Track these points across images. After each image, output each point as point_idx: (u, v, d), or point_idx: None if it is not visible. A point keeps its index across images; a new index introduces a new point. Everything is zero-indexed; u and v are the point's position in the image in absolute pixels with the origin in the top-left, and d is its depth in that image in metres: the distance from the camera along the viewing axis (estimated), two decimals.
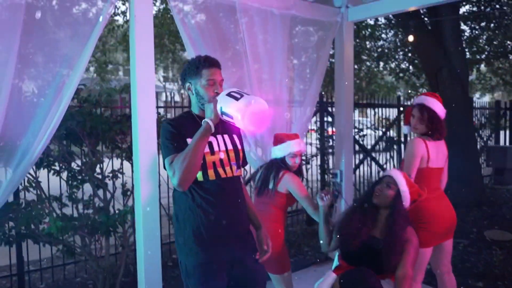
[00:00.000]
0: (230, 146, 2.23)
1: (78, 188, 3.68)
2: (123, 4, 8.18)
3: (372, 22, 11.30)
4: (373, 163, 6.72)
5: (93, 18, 2.80)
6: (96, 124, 3.32)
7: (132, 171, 3.13)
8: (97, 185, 3.72)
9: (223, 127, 2.22)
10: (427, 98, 3.14)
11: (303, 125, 3.92)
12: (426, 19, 7.38)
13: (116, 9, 8.37)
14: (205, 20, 3.38)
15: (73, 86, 2.66)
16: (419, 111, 3.11)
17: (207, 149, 2.15)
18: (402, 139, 7.07)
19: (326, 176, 5.55)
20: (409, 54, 11.49)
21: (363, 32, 10.46)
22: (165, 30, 9.06)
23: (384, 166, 6.97)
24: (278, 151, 3.12)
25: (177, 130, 2.12)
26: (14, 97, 2.53)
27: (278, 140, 3.15)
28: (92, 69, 11.84)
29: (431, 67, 6.98)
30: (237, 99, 1.98)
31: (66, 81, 2.65)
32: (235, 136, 2.30)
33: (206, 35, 3.28)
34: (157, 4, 8.90)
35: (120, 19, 9.13)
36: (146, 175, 2.88)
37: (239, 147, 2.29)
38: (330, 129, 5.83)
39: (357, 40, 10.50)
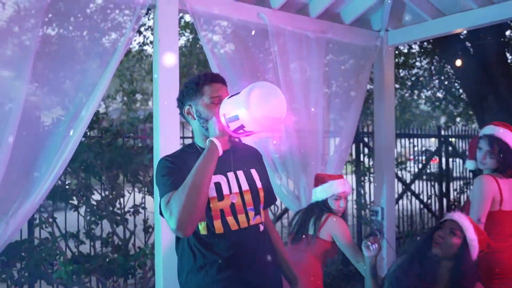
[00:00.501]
0: (245, 186, 1.75)
1: (97, 224, 3.43)
2: (152, 34, 8.16)
3: (405, 50, 11.03)
4: (414, 198, 6.23)
5: (110, 47, 2.60)
6: (115, 156, 3.08)
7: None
8: (116, 221, 3.45)
9: (236, 160, 1.78)
10: (497, 128, 2.73)
11: (340, 157, 3.56)
12: (468, 43, 6.98)
13: (145, 39, 8.35)
14: (234, 50, 3.16)
15: (88, 115, 2.44)
16: (488, 143, 2.70)
17: (213, 193, 1.68)
18: (465, 172, 6.59)
19: (363, 212, 5.12)
20: (446, 82, 11.05)
21: (396, 60, 10.18)
22: (194, 59, 8.98)
23: (428, 202, 6.46)
24: (320, 193, 2.79)
25: (176, 166, 1.68)
26: (26, 127, 2.33)
27: (320, 180, 2.83)
28: (119, 99, 11.89)
29: (475, 94, 6.53)
30: (238, 94, 1.61)
31: (81, 110, 2.44)
32: (253, 171, 1.81)
33: (236, 65, 3.07)
34: (186, 33, 8.86)
35: (149, 49, 9.12)
36: None
37: (259, 184, 1.79)
38: (366, 161, 5.43)
39: None
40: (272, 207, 4.58)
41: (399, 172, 6.08)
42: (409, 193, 6.15)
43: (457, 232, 2.18)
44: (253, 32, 3.27)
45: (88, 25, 2.69)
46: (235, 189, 1.73)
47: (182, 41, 9.05)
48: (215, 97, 1.72)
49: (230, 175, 1.75)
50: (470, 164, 2.86)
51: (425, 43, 10.78)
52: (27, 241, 3.17)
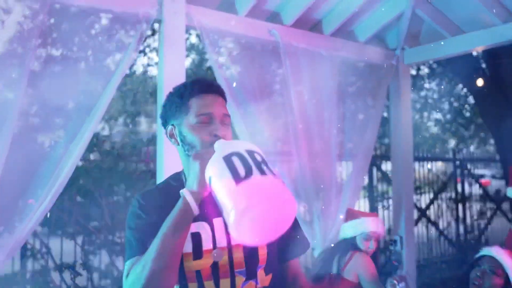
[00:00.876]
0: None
1: (95, 254, 3.20)
2: (157, 55, 8.07)
3: (414, 72, 10.90)
4: (430, 225, 5.94)
5: (114, 67, 2.44)
6: (116, 181, 2.86)
7: None
8: (116, 251, 3.21)
9: None
10: None
11: (356, 182, 3.31)
12: (483, 63, 6.80)
13: (150, 60, 8.26)
14: (245, 69, 2.98)
15: (87, 136, 2.25)
16: None
17: (188, 248, 1.22)
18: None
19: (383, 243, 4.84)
20: (455, 104, 10.87)
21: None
22: None
23: (444, 231, 6.16)
24: (348, 229, 2.60)
25: (148, 215, 1.24)
26: (21, 149, 2.15)
27: (350, 215, 2.66)
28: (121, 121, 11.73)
29: (491, 115, 6.30)
30: (239, 177, 1.07)
31: (79, 131, 2.25)
32: None
33: (247, 85, 2.87)
34: (192, 55, 8.76)
35: (154, 70, 9.02)
36: None
37: None
38: (380, 186, 5.18)
39: None
40: None
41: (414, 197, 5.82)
42: (424, 219, 5.87)
43: (498, 271, 1.92)
44: (261, 49, 3.10)
45: (92, 45, 2.54)
46: (221, 242, 1.23)
47: (188, 62, 8.95)
48: (203, 115, 1.24)
49: (217, 222, 1.24)
50: (510, 192, 2.64)
51: (435, 64, 10.70)
52: (20, 273, 2.94)
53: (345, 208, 3.12)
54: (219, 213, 1.15)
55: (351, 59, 3.46)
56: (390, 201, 5.09)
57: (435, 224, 6.00)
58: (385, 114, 5.23)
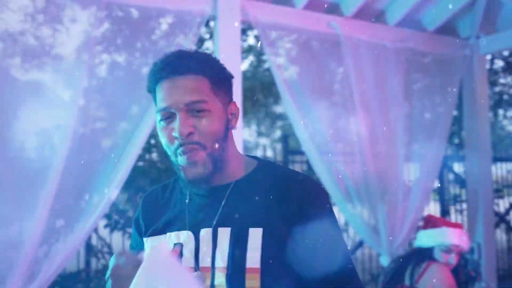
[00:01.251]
0: (222, 261, 0.92)
1: None
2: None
3: (487, 66, 10.17)
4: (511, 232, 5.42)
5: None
6: None
7: None
8: None
9: (231, 205, 0.96)
10: None
11: (425, 185, 3.05)
12: None
13: None
14: (304, 69, 2.85)
15: (143, 136, 2.24)
16: None
17: None
18: None
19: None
20: None
21: None
22: (258, 83, 8.82)
23: None
24: (426, 238, 2.34)
25: (137, 225, 1.07)
26: (84, 152, 2.18)
27: (430, 223, 2.40)
28: None
29: None
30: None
31: (135, 131, 2.25)
32: (254, 232, 0.91)
33: (306, 85, 2.74)
34: (250, 57, 8.74)
35: None
36: None
37: (252, 261, 0.90)
38: (451, 189, 4.80)
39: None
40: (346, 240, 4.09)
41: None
42: (504, 225, 5.37)
43: None
44: (320, 46, 2.95)
45: (153, 50, 2.54)
46: (205, 261, 0.93)
47: (246, 64, 8.94)
48: (162, 110, 0.94)
49: (205, 233, 0.95)
50: None
51: (511, 58, 9.88)
52: (84, 271, 3.00)
53: (414, 213, 2.88)
54: (210, 221, 0.94)
55: (418, 51, 3.20)
56: (464, 205, 4.70)
57: None
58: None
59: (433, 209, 4.96)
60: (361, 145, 2.81)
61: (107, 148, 2.30)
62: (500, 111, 11.15)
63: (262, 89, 9.49)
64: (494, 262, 3.49)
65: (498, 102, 10.59)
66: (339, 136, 2.83)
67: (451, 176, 4.84)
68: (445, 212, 4.63)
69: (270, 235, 0.90)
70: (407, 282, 2.24)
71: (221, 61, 1.03)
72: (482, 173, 3.38)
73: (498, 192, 5.25)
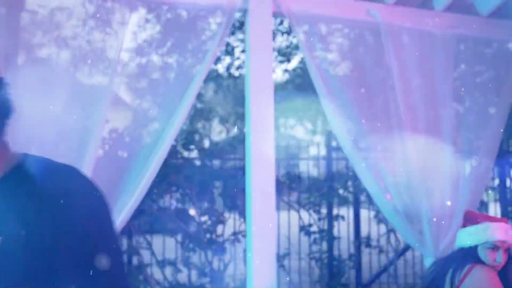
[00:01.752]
0: None
1: (194, 251, 3.20)
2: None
3: None
4: None
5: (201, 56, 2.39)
6: (206, 178, 2.82)
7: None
8: (215, 249, 3.19)
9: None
10: None
11: (476, 182, 2.79)
12: None
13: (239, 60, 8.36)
14: (342, 62, 2.73)
15: (172, 132, 2.23)
16: None
17: None
18: None
19: None
20: None
21: None
22: (309, 79, 8.71)
23: None
24: (467, 237, 2.14)
25: None
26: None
27: (470, 219, 2.20)
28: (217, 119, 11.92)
29: None
30: None
31: (165, 126, 2.24)
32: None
33: (345, 80, 2.62)
34: (300, 53, 8.64)
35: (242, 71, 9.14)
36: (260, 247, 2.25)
37: None
38: None
39: None
40: (392, 241, 3.91)
41: None
42: None
43: None
44: (358, 37, 2.80)
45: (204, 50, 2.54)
46: None
47: (296, 61, 8.83)
48: None
49: None
50: None
51: None
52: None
53: (462, 212, 2.66)
54: None
55: (471, 37, 2.95)
56: None
57: None
58: None
59: (493, 209, 4.61)
60: (403, 140, 2.63)
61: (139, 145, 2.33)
62: None
63: (313, 86, 9.34)
64: None
65: None
66: (379, 130, 2.66)
67: None
68: (506, 212, 4.27)
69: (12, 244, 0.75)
70: (447, 287, 2.05)
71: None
72: None
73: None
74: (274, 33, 7.52)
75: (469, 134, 2.85)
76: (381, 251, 3.92)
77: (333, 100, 2.58)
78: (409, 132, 2.66)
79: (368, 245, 3.87)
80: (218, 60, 7.67)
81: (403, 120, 2.65)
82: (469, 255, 2.08)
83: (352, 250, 3.90)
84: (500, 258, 2.05)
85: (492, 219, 2.16)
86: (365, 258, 3.98)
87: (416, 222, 2.70)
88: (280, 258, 3.64)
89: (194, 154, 3.26)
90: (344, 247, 3.92)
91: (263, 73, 2.43)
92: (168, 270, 3.19)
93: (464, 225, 2.19)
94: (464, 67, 2.94)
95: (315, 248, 3.76)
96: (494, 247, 2.06)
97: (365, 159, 2.62)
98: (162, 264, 3.12)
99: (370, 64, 2.78)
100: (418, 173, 2.64)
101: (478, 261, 2.06)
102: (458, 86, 2.89)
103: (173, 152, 2.69)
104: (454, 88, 2.82)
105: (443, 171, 2.71)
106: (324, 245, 3.79)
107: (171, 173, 2.68)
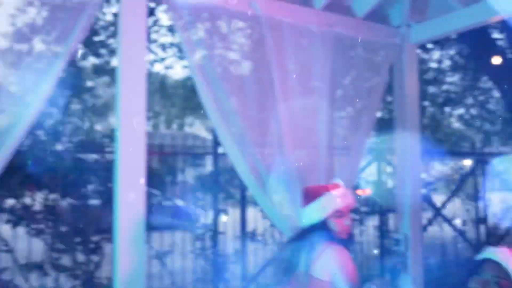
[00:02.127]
0: None
1: (65, 252, 2.93)
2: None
3: (435, 65, 10.42)
4: (446, 224, 5.48)
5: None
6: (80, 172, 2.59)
7: None
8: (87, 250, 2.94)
9: None
10: None
11: (349, 177, 2.91)
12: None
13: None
14: (219, 54, 2.67)
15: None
16: None
17: None
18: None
19: (386, 241, 4.43)
20: (480, 98, 10.28)
21: (425, 76, 9.67)
22: None
23: (462, 229, 5.67)
24: (313, 213, 2.13)
25: None
26: None
27: (311, 195, 2.18)
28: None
29: None
30: None
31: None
32: None
33: (222, 73, 2.57)
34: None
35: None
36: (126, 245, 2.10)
37: None
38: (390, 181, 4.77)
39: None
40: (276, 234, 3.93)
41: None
42: (440, 219, 5.41)
43: (503, 282, 1.51)
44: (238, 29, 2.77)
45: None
46: None
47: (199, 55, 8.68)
48: None
49: None
50: None
51: (457, 56, 10.14)
52: None
53: None
54: None
55: (346, 37, 3.08)
56: None
57: (451, 223, 5.53)
58: None
59: None
60: (280, 135, 2.65)
61: None
62: (447, 109, 11.48)
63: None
64: (421, 254, 3.45)
65: (445, 101, 10.90)
66: (256, 125, 2.65)
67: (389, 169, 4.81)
68: (381, 206, 4.59)
69: None
70: (302, 268, 2.01)
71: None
72: (411, 165, 3.31)
73: (431, 185, 5.30)
74: (173, 29, 7.28)
75: (343, 127, 2.97)
76: (266, 244, 3.99)
77: (212, 94, 2.53)
78: (287, 128, 2.68)
79: (254, 239, 3.90)
80: (112, 52, 7.20)
81: (281, 116, 2.67)
82: (320, 230, 2.06)
83: (238, 245, 3.90)
84: (348, 221, 2.12)
85: (331, 188, 2.18)
86: (251, 252, 4.02)
87: (294, 217, 2.73)
88: (161, 255, 3.51)
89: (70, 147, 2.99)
90: (230, 242, 3.90)
91: (136, 63, 2.28)
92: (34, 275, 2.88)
93: (306, 203, 2.16)
94: (340, 66, 3.05)
95: (200, 244, 3.69)
96: (340, 214, 2.10)
97: (243, 155, 2.60)
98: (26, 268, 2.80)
99: (248, 57, 2.78)
100: (295, 169, 2.68)
101: (330, 234, 2.06)
102: (334, 84, 3.00)
103: (38, 143, 2.44)
104: (330, 87, 2.92)
105: (317, 166, 2.78)
106: (210, 242, 3.73)
107: (39, 167, 2.41)
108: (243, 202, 3.83)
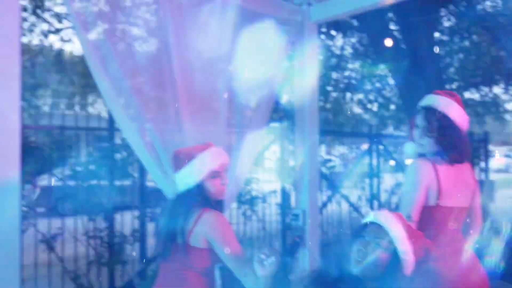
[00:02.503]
0: None
1: None
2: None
3: (338, 52, 10.92)
4: (344, 202, 5.78)
5: None
6: None
7: None
8: None
9: None
10: (438, 97, 2.13)
11: (249, 153, 2.88)
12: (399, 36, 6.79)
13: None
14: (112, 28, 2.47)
15: None
16: (425, 117, 2.10)
17: None
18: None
19: (287, 217, 4.55)
20: (377, 84, 11.00)
21: (329, 62, 10.12)
22: None
23: (357, 205, 6.03)
24: (187, 177, 1.98)
25: None
26: None
27: (183, 158, 2.02)
28: None
29: (410, 95, 6.27)
30: None
31: None
32: None
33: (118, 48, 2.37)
34: None
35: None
36: None
37: None
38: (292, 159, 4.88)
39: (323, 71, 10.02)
40: None
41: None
42: (339, 196, 5.70)
43: (384, 243, 1.58)
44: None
45: None
46: None
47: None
48: None
49: None
50: (409, 148, 2.23)
51: (358, 45, 10.72)
52: None
53: (234, 181, 2.71)
54: None
55: (248, 11, 3.02)
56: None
57: (347, 199, 5.86)
58: None
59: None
60: (177, 110, 2.54)
61: None
62: (348, 95, 12.13)
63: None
64: (318, 228, 3.58)
65: (347, 86, 11.51)
66: (151, 100, 2.52)
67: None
68: (283, 183, 4.69)
69: None
70: (178, 239, 1.89)
71: None
72: (309, 144, 3.39)
73: (329, 163, 5.56)
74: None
75: (241, 105, 2.93)
76: None
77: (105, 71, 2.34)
78: (184, 107, 2.57)
79: (153, 219, 3.75)
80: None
81: (178, 92, 2.55)
82: (195, 195, 1.95)
83: (136, 225, 3.72)
84: (224, 180, 2.03)
85: (203, 148, 2.05)
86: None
87: None
88: (49, 240, 3.22)
89: None
90: (127, 222, 3.71)
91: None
92: None
93: (177, 167, 2.02)
94: (239, 37, 2.99)
95: (93, 225, 3.45)
96: (216, 175, 1.99)
97: (139, 132, 2.45)
98: None
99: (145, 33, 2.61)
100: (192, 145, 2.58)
101: (206, 198, 1.97)
102: (233, 59, 2.92)
103: None
104: (229, 62, 2.84)
105: (215, 143, 2.70)
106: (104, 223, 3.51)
107: None
108: (142, 180, 3.66)
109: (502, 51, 9.15)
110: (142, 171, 3.58)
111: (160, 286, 1.95)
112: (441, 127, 2.05)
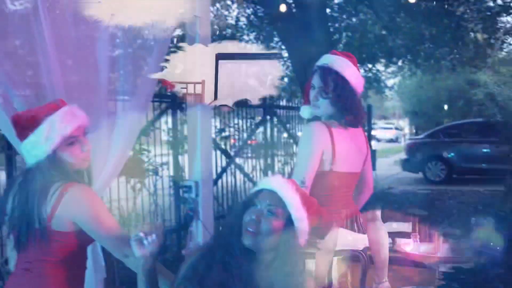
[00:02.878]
0: None
1: None
2: None
3: (233, 22, 10.84)
4: (239, 173, 5.81)
5: None
6: None
7: None
8: None
9: None
10: (335, 57, 2.05)
11: (133, 123, 2.65)
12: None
13: None
14: None
15: None
16: (321, 77, 2.02)
17: None
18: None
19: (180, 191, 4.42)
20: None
21: (224, 32, 10.03)
22: None
23: (252, 176, 6.09)
24: (35, 148, 1.58)
25: None
26: None
27: (26, 125, 1.60)
28: None
29: (300, 63, 6.42)
30: None
31: None
32: None
33: None
34: None
35: None
36: None
37: None
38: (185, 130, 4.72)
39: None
40: None
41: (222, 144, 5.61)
42: (233, 167, 5.69)
43: (278, 210, 1.51)
44: None
45: None
46: None
47: None
48: None
49: None
50: (305, 111, 2.16)
51: (253, 16, 10.72)
52: None
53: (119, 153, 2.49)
54: None
55: None
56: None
57: (242, 170, 5.90)
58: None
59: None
60: (51, 77, 2.24)
61: None
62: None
63: None
64: (211, 200, 3.53)
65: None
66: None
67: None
68: (176, 155, 4.54)
69: None
70: (36, 224, 1.55)
71: None
72: (201, 114, 3.27)
73: (222, 132, 5.55)
74: None
75: (126, 74, 2.68)
76: None
77: None
78: (57, 68, 2.28)
79: None
80: None
81: (50, 60, 2.26)
82: (50, 169, 1.59)
83: None
84: (85, 146, 1.66)
85: (51, 108, 1.63)
86: None
87: None
88: None
89: None
90: None
91: None
92: None
93: (22, 136, 1.62)
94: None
95: None
96: (74, 139, 1.63)
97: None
98: None
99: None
100: None
101: (65, 170, 1.62)
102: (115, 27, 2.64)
103: None
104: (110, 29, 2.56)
105: (98, 113, 2.44)
106: None
107: None
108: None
109: (384, 30, 9.85)
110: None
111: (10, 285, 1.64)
112: (337, 87, 1.99)
